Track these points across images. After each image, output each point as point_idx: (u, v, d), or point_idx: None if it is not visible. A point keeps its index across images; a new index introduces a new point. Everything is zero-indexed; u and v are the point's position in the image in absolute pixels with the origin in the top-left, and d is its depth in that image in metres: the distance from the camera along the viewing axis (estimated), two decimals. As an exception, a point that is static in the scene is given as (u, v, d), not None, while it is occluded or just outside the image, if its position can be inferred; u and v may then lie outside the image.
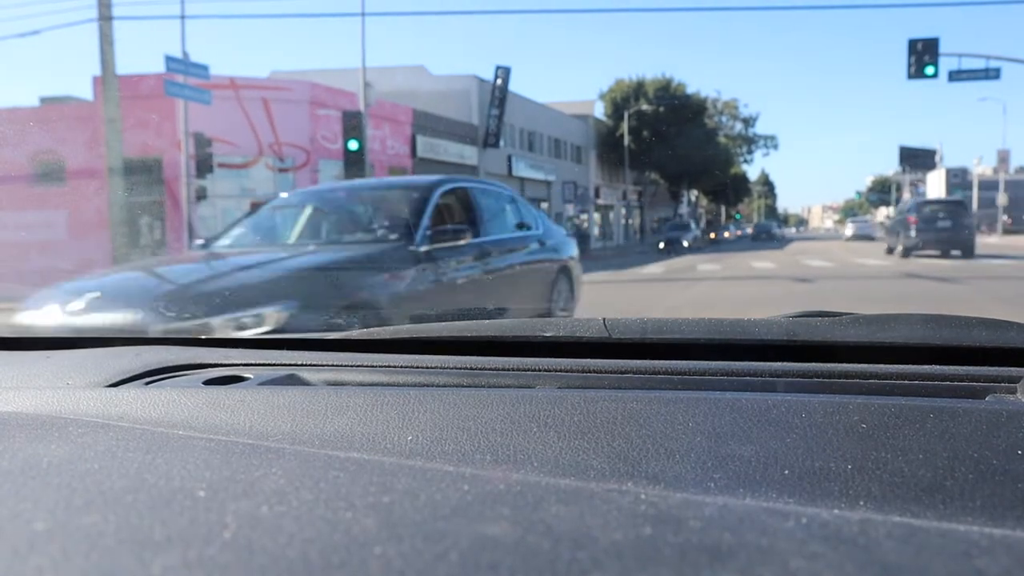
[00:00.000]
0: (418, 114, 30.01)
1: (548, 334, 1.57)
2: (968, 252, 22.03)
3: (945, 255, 21.97)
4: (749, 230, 59.83)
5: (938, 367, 1.24)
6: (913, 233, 22.26)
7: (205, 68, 19.35)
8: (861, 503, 0.74)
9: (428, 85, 35.21)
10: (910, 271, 17.35)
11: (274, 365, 1.55)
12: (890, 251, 24.92)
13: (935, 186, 71.42)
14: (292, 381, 1.46)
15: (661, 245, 34.84)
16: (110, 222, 17.13)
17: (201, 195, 18.75)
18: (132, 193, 19.95)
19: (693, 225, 40.13)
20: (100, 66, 17.20)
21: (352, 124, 21.38)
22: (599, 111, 50.87)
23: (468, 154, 33.96)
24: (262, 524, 0.60)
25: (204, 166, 18.66)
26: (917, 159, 72.94)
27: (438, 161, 31.18)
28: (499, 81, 36.38)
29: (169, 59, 18.21)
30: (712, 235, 51.06)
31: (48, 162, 17.15)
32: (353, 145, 21.06)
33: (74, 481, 0.72)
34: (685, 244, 34.95)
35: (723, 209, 72.75)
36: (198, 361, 1.60)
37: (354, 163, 21.40)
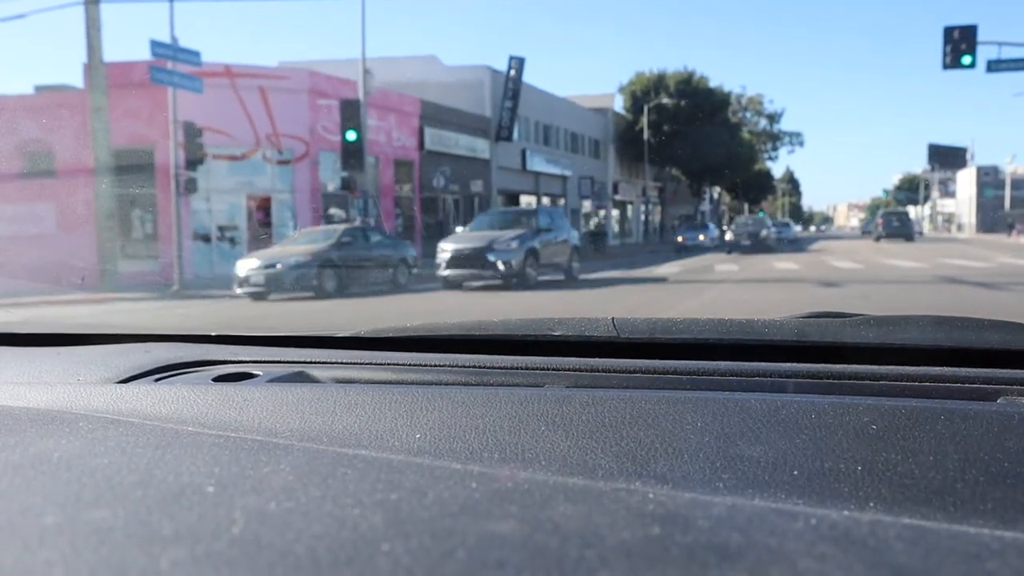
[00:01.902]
0: (426, 105, 29.83)
1: (557, 333, 1.61)
2: (910, 239, 39.62)
3: (909, 240, 39.23)
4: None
5: (949, 369, 1.27)
6: (880, 228, 41.34)
7: (196, 54, 18.95)
8: (871, 505, 0.76)
9: (439, 76, 35.10)
10: (948, 275, 16.83)
11: (283, 362, 1.60)
12: (873, 239, 42.14)
13: (965, 184, 70.93)
14: (301, 378, 1.50)
15: (443, 271, 16.04)
16: (96, 215, 17.17)
17: (191, 188, 18.59)
18: (122, 185, 19.87)
19: (542, 220, 17.88)
20: (86, 52, 17.17)
21: (350, 113, 21.06)
22: (618, 105, 50.85)
23: (480, 147, 33.85)
24: (270, 520, 0.63)
25: (194, 157, 18.35)
26: (947, 157, 72.66)
27: (448, 154, 31.09)
28: (513, 72, 36.26)
29: (154, 44, 17.80)
30: (680, 239, 34.17)
31: (35, 152, 17.19)
32: (351, 135, 20.74)
33: (84, 476, 0.75)
34: (500, 266, 15.74)
35: (746, 206, 72.42)
36: (208, 358, 1.64)
37: (352, 154, 21.04)
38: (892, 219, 42.50)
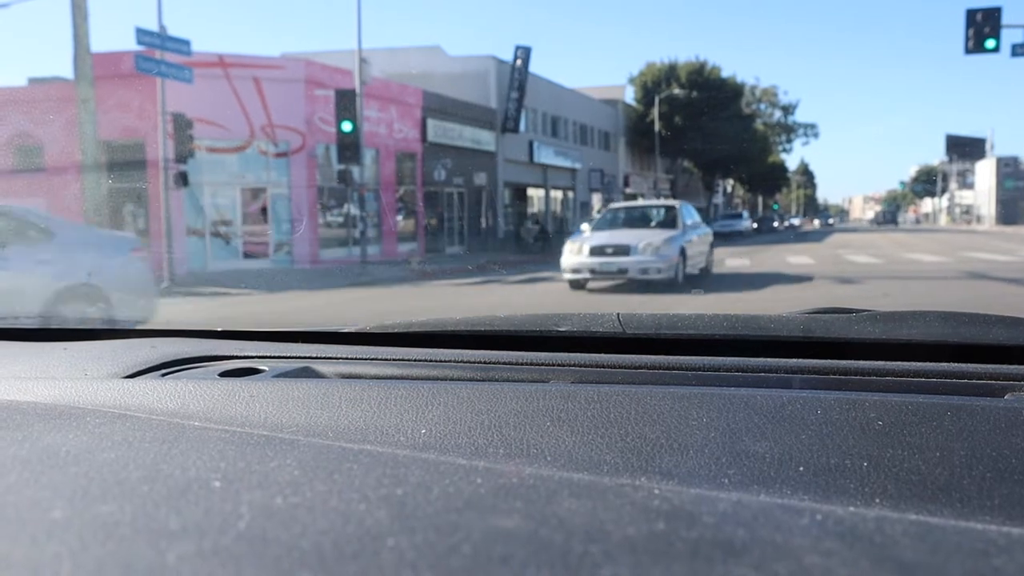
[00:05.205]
0: (429, 96, 29.67)
1: (562, 329, 1.63)
2: (896, 224, 76.72)
3: (896, 225, 73.29)
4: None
5: (956, 365, 1.29)
6: (878, 218, 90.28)
7: (186, 43, 18.74)
8: (877, 501, 0.78)
9: (444, 67, 34.98)
10: (974, 270, 16.48)
11: (289, 358, 1.63)
12: (876, 225, 74.16)
13: (984, 176, 70.95)
14: (306, 374, 1.53)
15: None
16: (83, 210, 17.10)
17: (181, 182, 18.49)
18: (111, 179, 19.79)
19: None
20: (72, 41, 17.08)
21: (345, 104, 20.96)
22: (629, 96, 50.82)
23: (485, 139, 33.75)
24: (276, 515, 0.65)
25: (184, 150, 18.16)
26: (965, 148, 72.81)
27: (452, 146, 30.99)
28: (519, 62, 36.13)
29: (140, 32, 17.69)
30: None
31: (23, 146, 17.18)
32: (347, 127, 20.60)
33: (91, 471, 0.77)
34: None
35: (760, 199, 72.48)
36: (214, 353, 1.67)
37: (348, 146, 20.92)
38: (885, 213, 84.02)
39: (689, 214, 16.37)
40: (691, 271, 15.06)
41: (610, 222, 16.35)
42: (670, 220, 15.90)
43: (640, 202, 21.91)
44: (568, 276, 14.19)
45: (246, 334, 1.89)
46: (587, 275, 14.07)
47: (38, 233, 7.03)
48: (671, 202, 17.98)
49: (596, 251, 14.13)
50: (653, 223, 16.13)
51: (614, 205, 18.84)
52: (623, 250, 13.98)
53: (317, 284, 18.06)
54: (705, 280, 15.72)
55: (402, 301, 14.83)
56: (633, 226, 15.77)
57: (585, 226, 16.87)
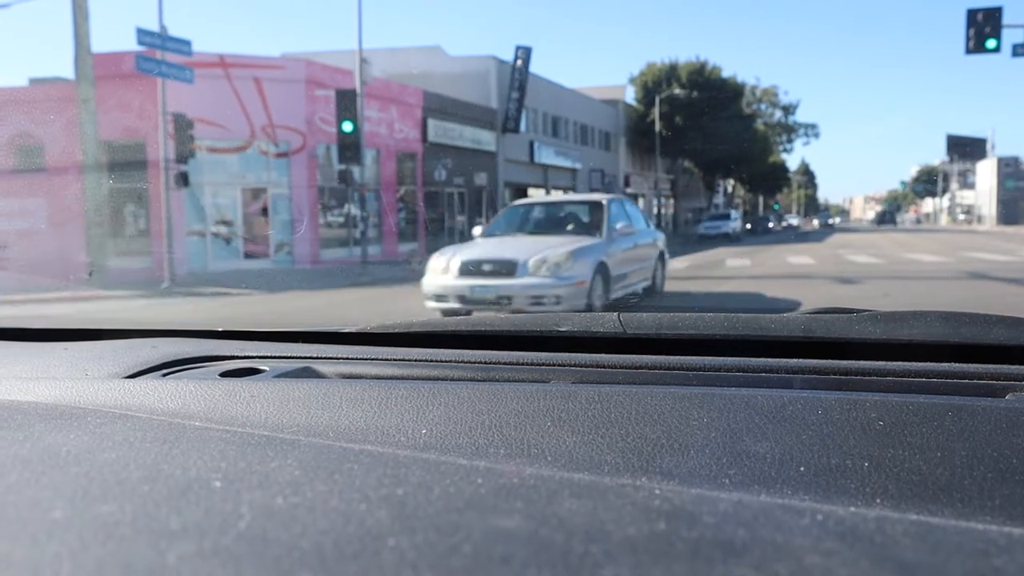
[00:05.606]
0: (429, 96, 29.69)
1: (563, 329, 1.63)
2: (894, 224, 79.85)
3: (894, 224, 74.70)
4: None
5: (957, 365, 1.29)
6: (877, 218, 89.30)
7: (187, 43, 18.77)
8: (878, 501, 0.78)
9: (444, 67, 35.05)
10: (974, 270, 16.49)
11: (289, 358, 1.63)
12: (876, 224, 74.72)
13: (985, 176, 71.30)
14: (307, 374, 1.53)
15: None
16: (84, 210, 17.12)
17: (181, 182, 18.51)
18: (112, 179, 19.83)
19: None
20: (73, 41, 17.09)
21: (346, 104, 21.02)
22: (630, 96, 50.96)
23: (486, 139, 33.80)
24: (277, 515, 0.65)
25: (185, 150, 18.14)
26: (966, 148, 73.30)
27: (452, 147, 31.03)
28: (519, 62, 36.22)
29: (141, 32, 17.70)
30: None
31: (23, 146, 17.20)
32: (347, 127, 20.67)
33: (92, 470, 0.77)
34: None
35: (761, 199, 72.70)
36: (214, 353, 1.67)
37: (349, 146, 21.00)
38: (886, 213, 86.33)
39: (620, 215, 11.47)
40: (622, 292, 10.52)
41: (516, 225, 11.61)
42: (592, 223, 11.17)
43: (555, 197, 16.59)
44: (431, 304, 9.45)
45: (247, 334, 1.89)
46: (455, 304, 9.23)
47: None
48: (596, 197, 12.86)
49: (468, 270, 9.34)
50: (569, 227, 11.43)
51: (519, 202, 13.40)
52: (506, 268, 9.24)
53: (318, 284, 18.11)
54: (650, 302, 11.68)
55: (403, 301, 14.85)
56: (539, 232, 11.17)
57: (477, 230, 11.98)
